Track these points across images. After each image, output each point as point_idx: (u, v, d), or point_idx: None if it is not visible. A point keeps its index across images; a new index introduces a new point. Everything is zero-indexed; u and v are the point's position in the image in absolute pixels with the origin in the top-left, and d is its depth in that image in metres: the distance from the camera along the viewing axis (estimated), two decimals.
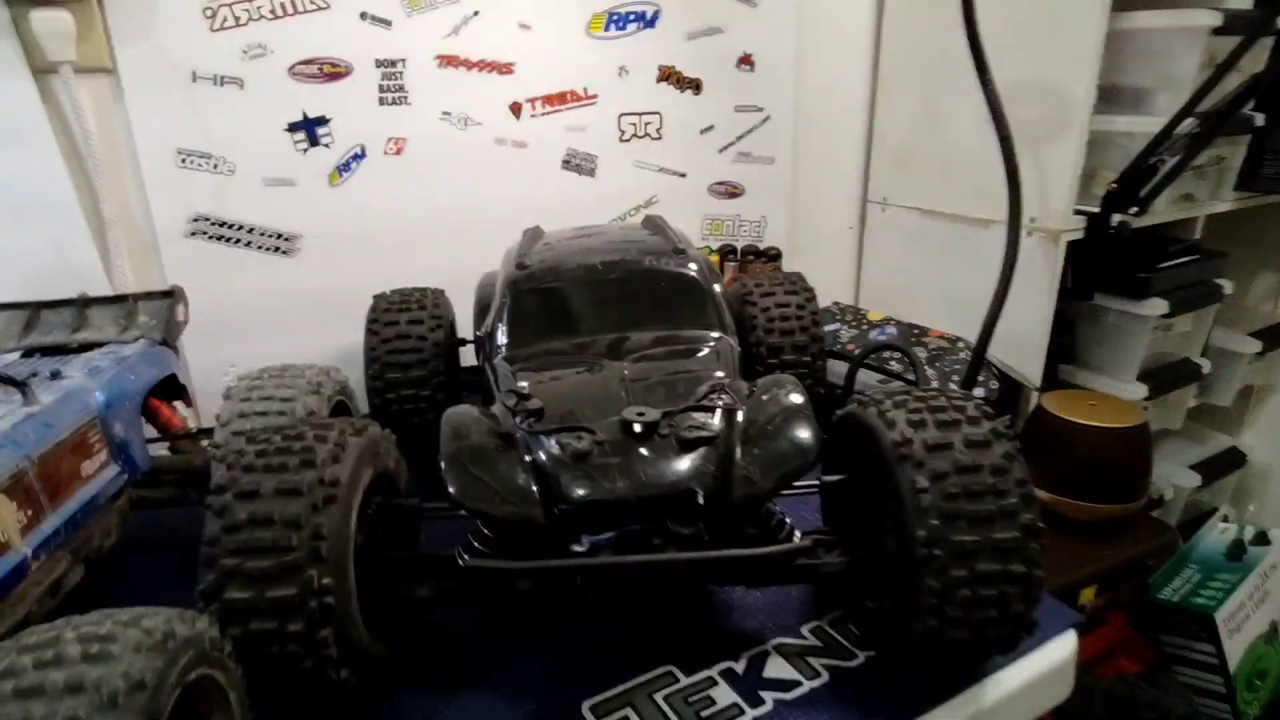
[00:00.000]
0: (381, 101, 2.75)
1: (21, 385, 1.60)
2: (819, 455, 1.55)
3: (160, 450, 2.20)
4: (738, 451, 1.53)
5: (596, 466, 1.46)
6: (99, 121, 2.39)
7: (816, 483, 1.71)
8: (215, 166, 2.57)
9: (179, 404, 2.27)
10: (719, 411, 1.58)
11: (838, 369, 2.92)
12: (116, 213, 2.47)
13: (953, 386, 2.88)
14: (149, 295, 2.32)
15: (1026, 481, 1.38)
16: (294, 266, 2.78)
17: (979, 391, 2.92)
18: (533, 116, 3.00)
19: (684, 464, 1.47)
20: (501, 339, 2.03)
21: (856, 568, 1.58)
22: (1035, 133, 3.04)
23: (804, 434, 1.56)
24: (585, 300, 2.07)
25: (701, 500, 1.45)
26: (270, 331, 2.77)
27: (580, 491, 1.44)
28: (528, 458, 1.53)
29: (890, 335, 3.26)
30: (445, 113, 2.86)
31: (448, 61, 2.80)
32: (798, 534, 1.62)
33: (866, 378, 2.94)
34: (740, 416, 1.61)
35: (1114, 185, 3.04)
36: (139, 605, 1.31)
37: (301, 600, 1.26)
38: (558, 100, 3.03)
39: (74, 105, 2.31)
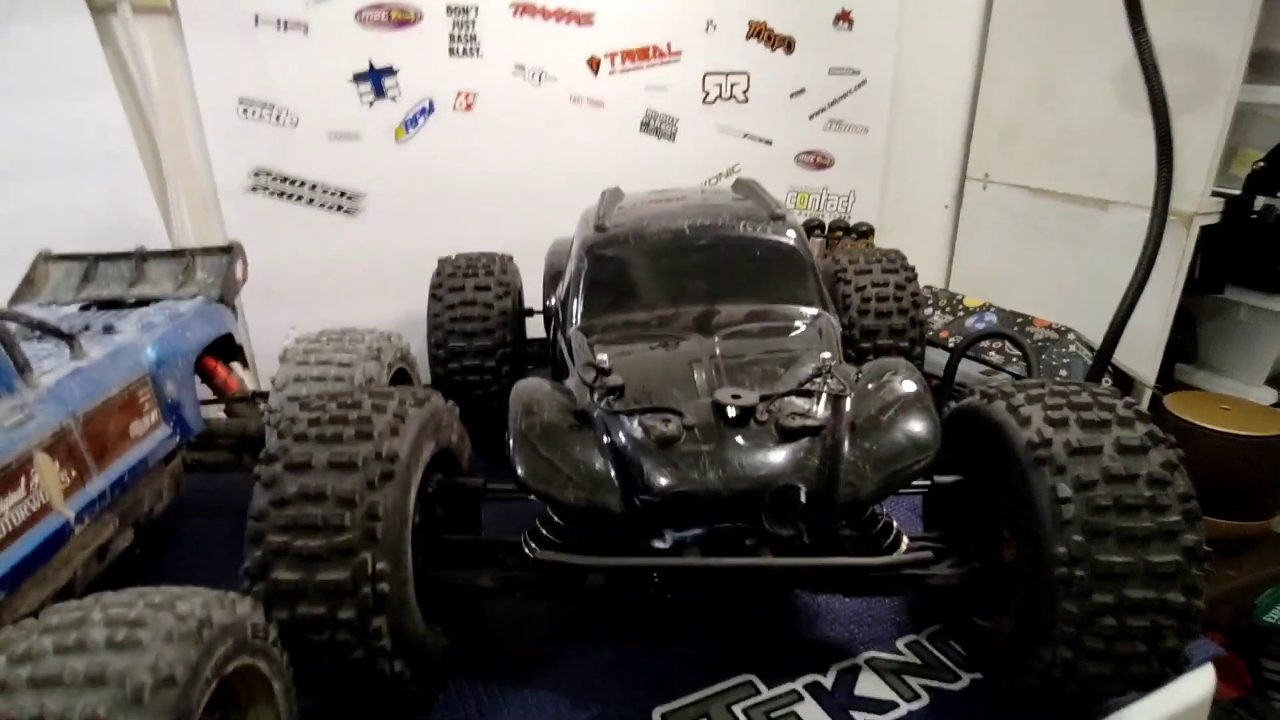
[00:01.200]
0: (452, 52, 2.62)
1: (70, 338, 1.51)
2: (939, 453, 1.38)
3: (216, 412, 2.14)
4: (845, 445, 1.37)
5: (684, 454, 1.33)
6: (159, 66, 2.31)
7: (926, 483, 1.52)
8: (278, 118, 2.48)
9: (236, 365, 2.20)
10: (824, 397, 1.43)
11: (933, 358, 2.70)
12: (177, 164, 2.39)
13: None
14: (207, 251, 2.24)
15: (1191, 497, 1.19)
16: (357, 226, 2.68)
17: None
18: (611, 73, 2.84)
19: (785, 456, 1.32)
20: (577, 307, 1.88)
21: (969, 582, 1.42)
22: (1172, 104, 2.76)
23: (923, 428, 1.38)
24: (671, 268, 1.91)
25: (804, 498, 1.30)
26: (331, 294, 2.68)
27: (665, 481, 1.30)
28: (606, 440, 1.39)
29: (990, 323, 3.02)
30: (519, 66, 2.71)
31: (523, 10, 2.66)
32: (905, 540, 1.44)
33: (967, 369, 2.71)
34: (848, 404, 1.45)
35: (1261, 164, 2.74)
36: (190, 574, 1.22)
37: (354, 585, 1.16)
38: (639, 56, 2.85)
39: (133, 47, 2.24)
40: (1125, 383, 2.89)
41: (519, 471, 1.36)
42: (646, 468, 1.32)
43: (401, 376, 2.15)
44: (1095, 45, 2.92)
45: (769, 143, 3.15)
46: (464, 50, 2.63)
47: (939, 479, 1.52)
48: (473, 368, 2.28)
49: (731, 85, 3.01)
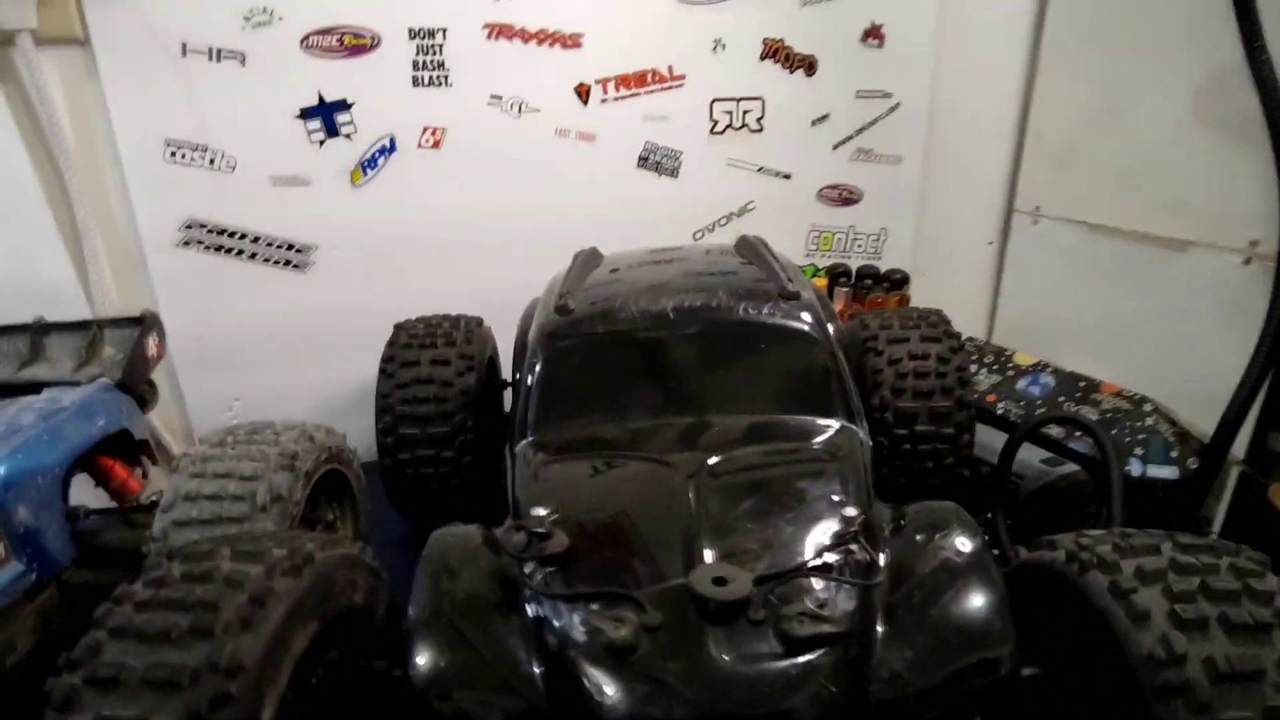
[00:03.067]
0: (416, 82, 2.31)
1: None
2: (1002, 656, 1.00)
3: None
4: (877, 651, 1.01)
5: (644, 670, 0.97)
6: (70, 104, 2.02)
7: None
8: (212, 161, 2.17)
9: (146, 460, 1.88)
10: (848, 585, 1.06)
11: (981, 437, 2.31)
12: (94, 216, 2.10)
13: (1135, 468, 2.23)
14: (116, 322, 1.93)
15: None
16: (307, 283, 2.37)
17: (1169, 472, 2.27)
18: (603, 102, 2.51)
19: (789, 677, 0.96)
20: (528, 415, 1.52)
21: None
22: (1259, 127, 2.35)
23: (990, 619, 1.01)
24: (649, 364, 1.55)
25: None
26: (279, 361, 2.38)
27: (616, 710, 0.95)
28: (538, 632, 1.05)
29: (1045, 387, 2.62)
30: (495, 96, 2.39)
31: (499, 32, 2.33)
32: None
33: (1023, 456, 2.30)
34: (881, 585, 1.08)
35: None
36: None
37: None
38: (635, 82, 2.52)
39: (37, 83, 1.94)
40: (1212, 460, 2.44)
41: (415, 671, 1.03)
42: (588, 687, 0.97)
43: (335, 479, 1.80)
44: (1167, 57, 2.52)
45: (787, 177, 2.80)
46: (430, 79, 2.31)
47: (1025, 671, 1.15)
48: (427, 459, 1.94)
49: (744, 113, 2.67)
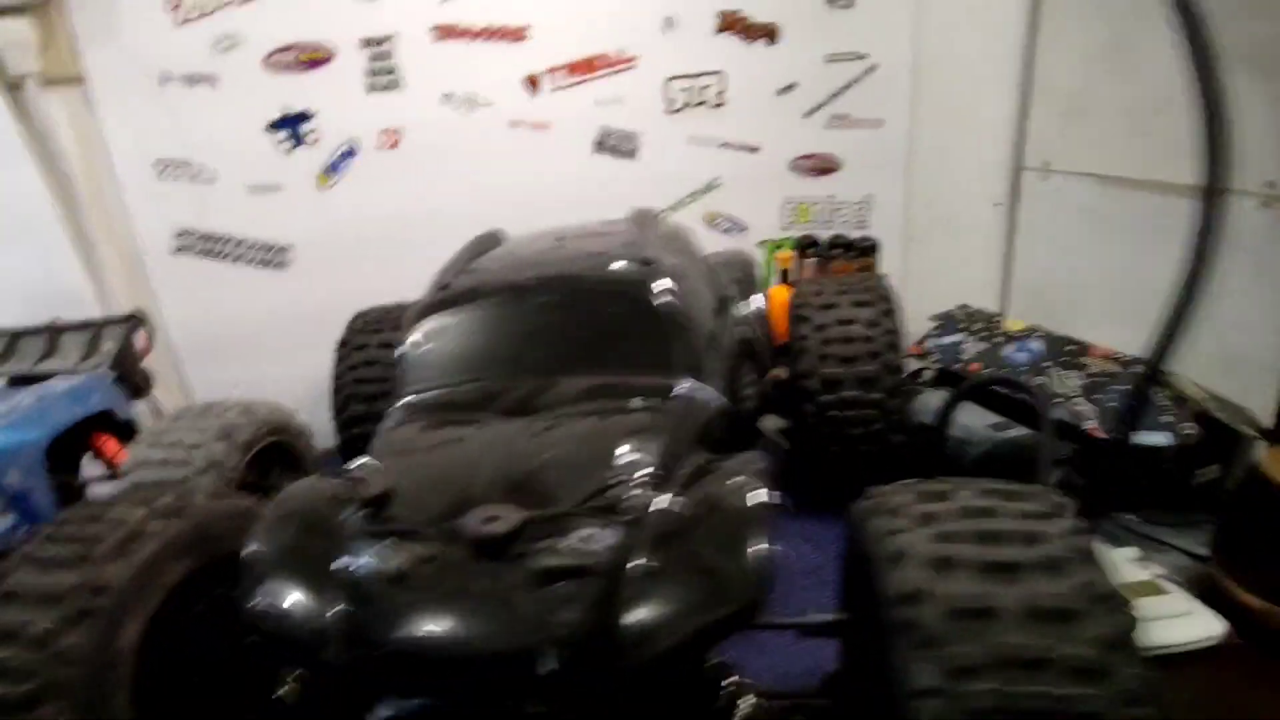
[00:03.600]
0: (371, 88, 2.50)
1: None
2: (755, 603, 1.03)
3: None
4: (633, 586, 1.06)
5: (411, 597, 1.08)
6: (75, 134, 2.36)
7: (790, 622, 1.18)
8: (195, 175, 2.46)
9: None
10: (615, 522, 1.12)
11: (932, 403, 2.23)
12: (101, 230, 2.43)
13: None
14: (112, 321, 2.25)
15: (1148, 698, 0.76)
16: (287, 280, 2.64)
17: (1161, 439, 2.10)
18: (554, 90, 2.60)
19: (531, 608, 1.03)
20: (397, 386, 1.67)
21: None
22: (1271, 59, 2.13)
23: (742, 563, 1.04)
24: (508, 332, 1.64)
25: (553, 665, 1.01)
26: (269, 348, 2.65)
27: (381, 633, 1.06)
28: (344, 566, 1.16)
29: (1033, 353, 2.47)
30: (446, 95, 2.54)
31: (446, 33, 2.48)
32: (750, 697, 1.11)
33: (968, 422, 2.20)
34: (660, 522, 1.13)
35: None
36: None
37: None
38: (585, 68, 2.59)
39: (46, 119, 2.28)
40: (1224, 430, 2.23)
41: (243, 605, 1.16)
42: (366, 612, 1.09)
43: (278, 452, 2.02)
44: None
45: (754, 150, 2.78)
46: (384, 84, 2.50)
47: (813, 618, 1.18)
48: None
49: (702, 89, 2.67)
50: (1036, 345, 2.54)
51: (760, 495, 1.14)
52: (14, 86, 2.26)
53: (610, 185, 2.69)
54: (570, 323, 1.61)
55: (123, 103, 2.36)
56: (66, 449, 1.96)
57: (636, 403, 1.45)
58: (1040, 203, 2.92)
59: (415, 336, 1.69)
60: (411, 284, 2.42)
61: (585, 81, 2.61)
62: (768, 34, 2.67)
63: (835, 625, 1.15)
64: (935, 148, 2.95)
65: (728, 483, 1.19)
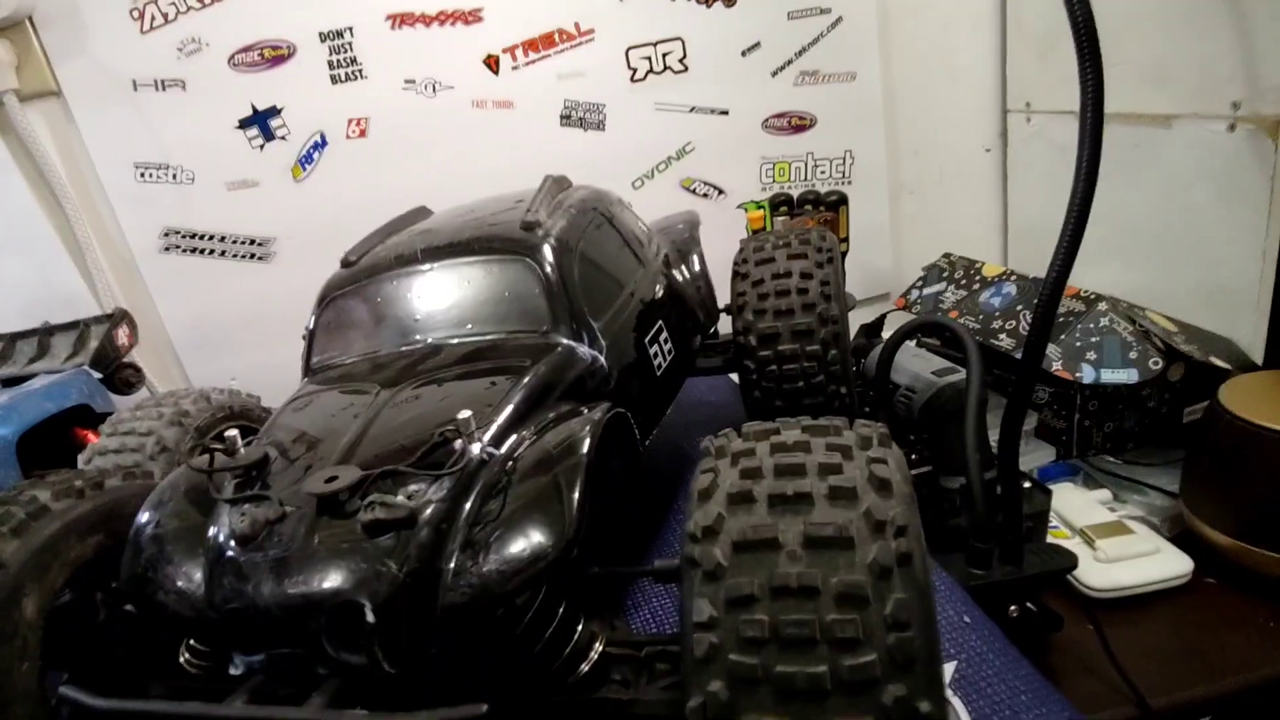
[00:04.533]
0: (334, 80, 2.56)
1: None
2: (567, 548, 1.06)
3: None
4: (455, 537, 1.09)
5: (251, 558, 1.12)
6: (57, 145, 2.48)
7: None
8: (174, 176, 2.56)
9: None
10: (444, 476, 1.14)
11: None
12: (92, 234, 2.56)
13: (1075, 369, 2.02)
14: (98, 320, 2.37)
15: (908, 624, 0.75)
16: (273, 271, 2.73)
17: (1126, 375, 2.04)
18: (515, 69, 2.63)
19: (351, 560, 1.07)
20: (308, 356, 1.72)
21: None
22: None
23: (549, 520, 1.08)
24: (398, 301, 1.67)
25: (371, 616, 1.04)
26: (261, 339, 2.75)
27: (223, 591, 1.12)
28: (210, 532, 1.21)
29: (1006, 297, 2.41)
30: (408, 81, 2.60)
31: (401, 20, 2.53)
32: (598, 646, 1.14)
33: (913, 368, 2.15)
34: (483, 480, 1.16)
35: None
36: None
37: None
38: (543, 44, 2.62)
39: (28, 132, 2.40)
40: (1202, 367, 2.13)
41: (122, 574, 1.22)
42: (214, 573, 1.14)
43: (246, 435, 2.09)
44: None
45: (725, 113, 2.77)
46: (346, 75, 2.56)
47: (661, 563, 1.17)
48: None
49: (664, 55, 2.67)
50: (1009, 289, 2.47)
51: (585, 444, 1.17)
52: None
53: (581, 157, 2.70)
54: (455, 289, 1.64)
55: (99, 111, 2.47)
56: (50, 446, 2.07)
57: (512, 360, 1.47)
58: (1026, 145, 2.85)
59: (319, 313, 1.74)
60: None
61: (545, 57, 2.63)
62: None
63: (668, 571, 1.14)
64: (917, 97, 2.90)
65: (559, 434, 1.22)
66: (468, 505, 1.13)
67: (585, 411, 1.34)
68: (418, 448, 1.21)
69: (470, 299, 1.62)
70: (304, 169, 2.63)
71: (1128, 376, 2.02)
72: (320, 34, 2.51)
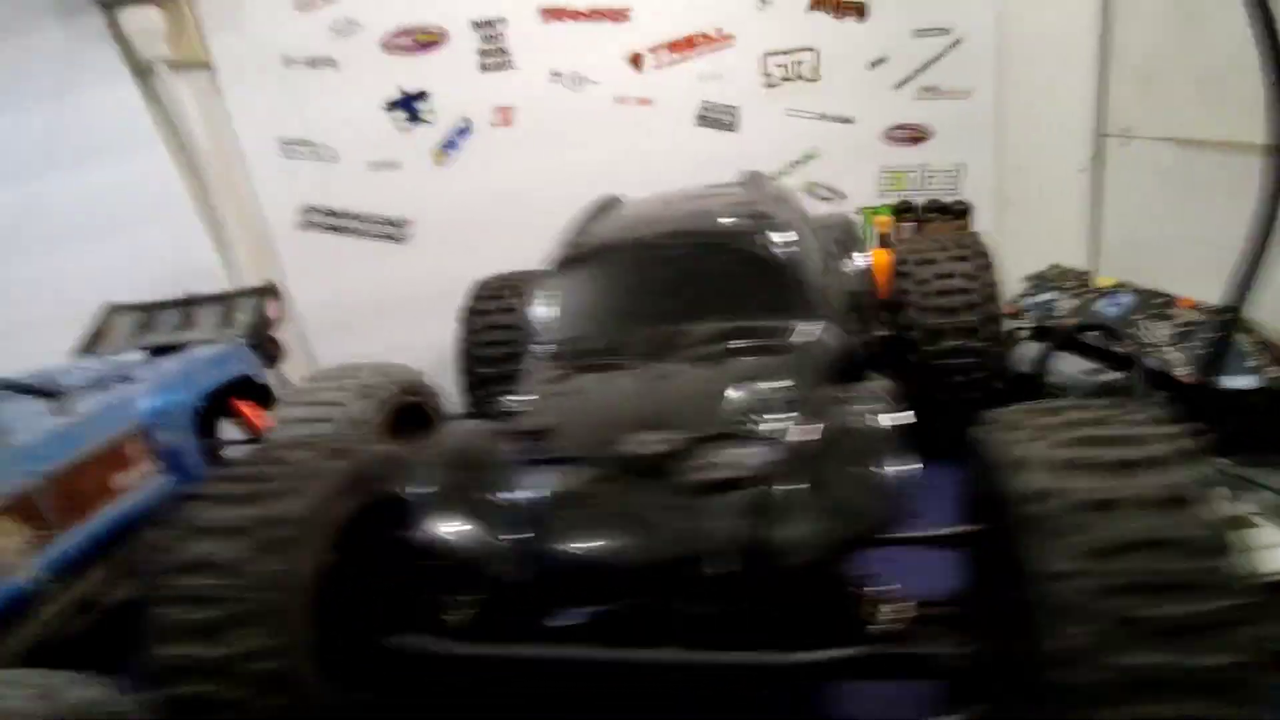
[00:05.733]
0: (483, 68, 2.61)
1: (51, 395, 1.61)
2: (899, 509, 1.14)
3: None
4: (786, 498, 1.17)
5: (583, 515, 1.19)
6: (203, 117, 2.48)
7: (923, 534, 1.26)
8: (318, 154, 2.58)
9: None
10: (765, 441, 1.22)
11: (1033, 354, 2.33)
12: (230, 208, 2.55)
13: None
14: (243, 293, 2.37)
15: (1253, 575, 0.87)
16: (407, 253, 2.75)
17: (1247, 381, 2.19)
18: (657, 68, 2.71)
19: (700, 518, 1.14)
20: (536, 328, 1.77)
21: (991, 663, 1.13)
22: None
23: (888, 475, 1.15)
24: (637, 284, 1.75)
25: (723, 569, 1.11)
26: (391, 320, 2.76)
27: (557, 548, 1.18)
28: (513, 495, 1.27)
29: (1124, 306, 2.56)
30: (555, 73, 2.65)
31: (553, 15, 2.59)
32: (885, 607, 1.20)
33: (1065, 369, 2.29)
34: (798, 447, 1.23)
35: None
36: None
37: (241, 662, 1.12)
38: (685, 46, 2.70)
39: (175, 103, 2.40)
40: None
41: (421, 532, 1.27)
42: (542, 530, 1.20)
43: (412, 411, 2.12)
44: None
45: (849, 121, 2.88)
46: (496, 64, 2.61)
47: (936, 532, 1.26)
48: (501, 393, 2.22)
49: (797, 64, 2.78)
50: (1126, 298, 2.63)
51: (888, 418, 1.25)
52: (144, 72, 2.39)
53: (712, 157, 2.78)
54: (695, 273, 1.72)
55: (248, 86, 2.48)
56: (205, 414, 2.06)
57: (766, 343, 1.56)
58: (1123, 167, 3.01)
59: (547, 291, 1.81)
60: (526, 254, 2.54)
61: (686, 59, 2.72)
62: (857, 10, 2.78)
63: (960, 537, 1.24)
64: (1022, 116, 3.05)
65: (858, 407, 1.30)
66: (788, 471, 1.20)
67: (859, 387, 1.41)
68: (719, 418, 1.29)
69: (711, 283, 1.68)
70: (447, 154, 2.67)
71: (1249, 382, 2.17)
72: (473, 22, 2.56)
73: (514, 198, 2.72)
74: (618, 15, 2.63)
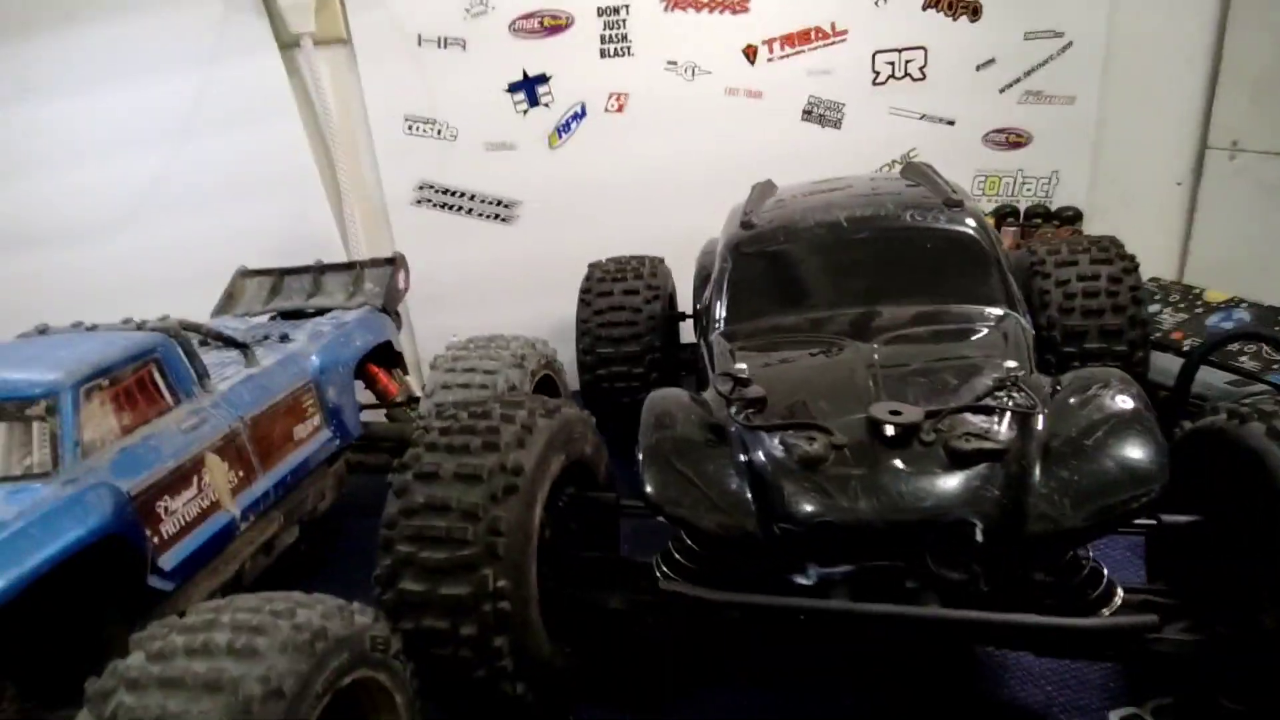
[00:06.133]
0: (603, 54, 2.69)
1: (244, 347, 1.71)
2: (1164, 487, 1.17)
3: (379, 416, 2.34)
4: (1036, 472, 1.21)
5: (832, 478, 1.23)
6: (336, 92, 2.57)
7: (1150, 522, 1.30)
8: (439, 132, 2.66)
9: (397, 371, 2.39)
10: (1009, 415, 1.27)
11: (1163, 365, 2.37)
12: (351, 181, 2.64)
13: None
14: (374, 263, 2.46)
15: None
16: (514, 233, 2.83)
17: None
18: (770, 60, 2.77)
19: (956, 484, 1.19)
20: (720, 311, 1.84)
21: (1211, 652, 1.19)
22: None
23: (1144, 455, 1.18)
24: (825, 265, 1.82)
25: (980, 536, 1.16)
26: (490, 299, 2.85)
27: (807, 508, 1.22)
28: (743, 458, 1.33)
29: (1240, 323, 2.60)
30: (671, 62, 2.73)
31: (675, 4, 2.67)
32: (1120, 592, 1.24)
33: (1208, 379, 2.33)
34: (1041, 423, 1.28)
35: None
36: (349, 573, 1.31)
37: (475, 601, 1.20)
38: (800, 40, 2.77)
39: (314, 77, 2.50)
40: None
41: (647, 490, 1.33)
42: (787, 492, 1.24)
43: (547, 383, 2.22)
44: None
45: (951, 123, 2.93)
46: (615, 51, 2.68)
47: (1168, 518, 1.29)
48: (620, 374, 2.31)
49: (906, 62, 2.84)
50: (1242, 314, 2.66)
51: (1136, 398, 1.29)
52: (289, 45, 2.48)
53: (815, 152, 2.84)
54: (889, 257, 1.79)
55: (381, 63, 2.57)
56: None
57: (977, 324, 1.63)
58: (1225, 181, 3.03)
59: (736, 265, 1.87)
60: (632, 238, 2.64)
61: (799, 52, 2.78)
62: (972, 10, 2.83)
63: (1193, 525, 1.28)
64: (1123, 126, 3.08)
65: (1100, 391, 1.33)
66: (1033, 445, 1.25)
67: (1085, 370, 1.45)
68: (961, 391, 1.34)
69: (907, 266, 1.76)
70: (560, 137, 2.75)
71: None
72: (599, 9, 2.63)
73: (620, 182, 2.80)
74: (738, 6, 2.70)
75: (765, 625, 1.33)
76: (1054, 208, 2.96)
